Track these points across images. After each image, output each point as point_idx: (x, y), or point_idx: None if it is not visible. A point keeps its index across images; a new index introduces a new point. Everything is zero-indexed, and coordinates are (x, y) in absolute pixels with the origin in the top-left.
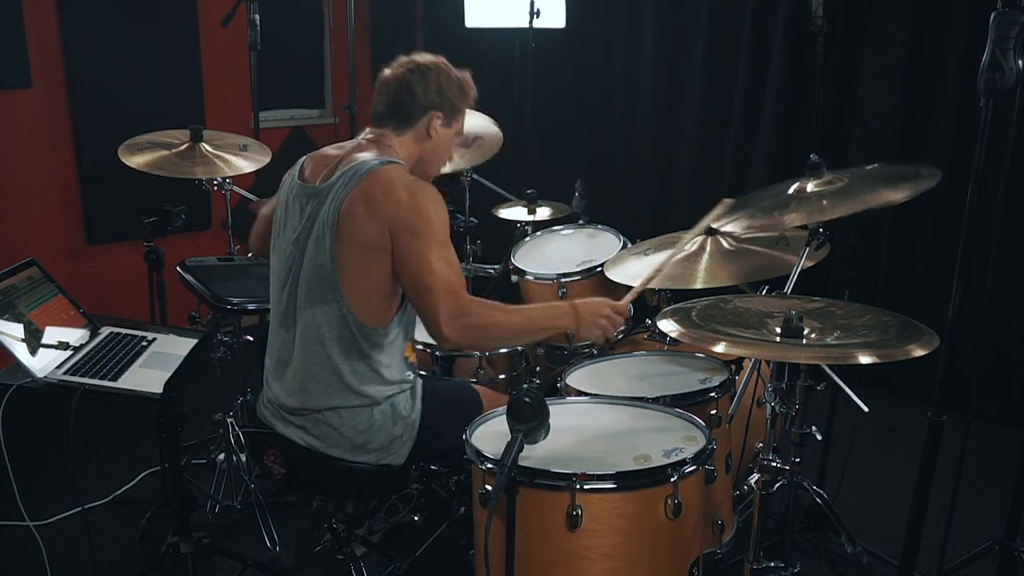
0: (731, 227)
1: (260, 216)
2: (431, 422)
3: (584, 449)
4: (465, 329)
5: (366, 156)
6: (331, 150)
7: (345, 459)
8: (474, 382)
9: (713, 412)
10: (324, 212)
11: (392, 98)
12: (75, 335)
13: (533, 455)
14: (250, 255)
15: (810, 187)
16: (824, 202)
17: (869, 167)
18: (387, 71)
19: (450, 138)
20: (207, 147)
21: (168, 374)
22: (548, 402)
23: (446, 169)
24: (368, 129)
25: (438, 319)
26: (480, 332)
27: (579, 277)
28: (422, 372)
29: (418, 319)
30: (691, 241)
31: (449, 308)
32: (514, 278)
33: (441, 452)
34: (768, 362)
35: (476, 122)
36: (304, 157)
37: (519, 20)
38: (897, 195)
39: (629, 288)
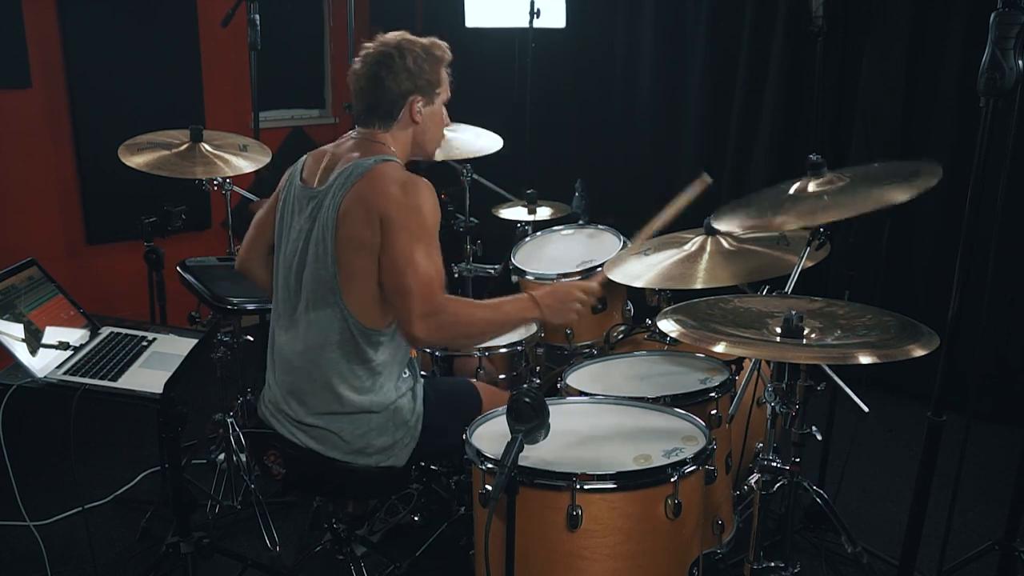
0: (730, 227)
1: (252, 223)
2: (432, 423)
3: (584, 449)
4: (438, 328)
5: (361, 156)
6: (328, 148)
7: (345, 462)
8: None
9: (713, 412)
10: (323, 215)
11: (367, 97)
12: (75, 335)
13: (533, 455)
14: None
15: (811, 187)
16: (826, 199)
17: (871, 166)
18: (355, 66)
19: (439, 111)
20: (207, 147)
21: (168, 374)
22: (548, 402)
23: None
24: (356, 129)
25: (411, 320)
26: (453, 330)
27: (579, 277)
28: (423, 373)
29: None
30: (670, 215)
31: (423, 308)
32: (514, 278)
33: (442, 451)
34: (768, 362)
35: None
36: (305, 155)
37: (519, 20)
38: (900, 195)
39: (629, 288)
